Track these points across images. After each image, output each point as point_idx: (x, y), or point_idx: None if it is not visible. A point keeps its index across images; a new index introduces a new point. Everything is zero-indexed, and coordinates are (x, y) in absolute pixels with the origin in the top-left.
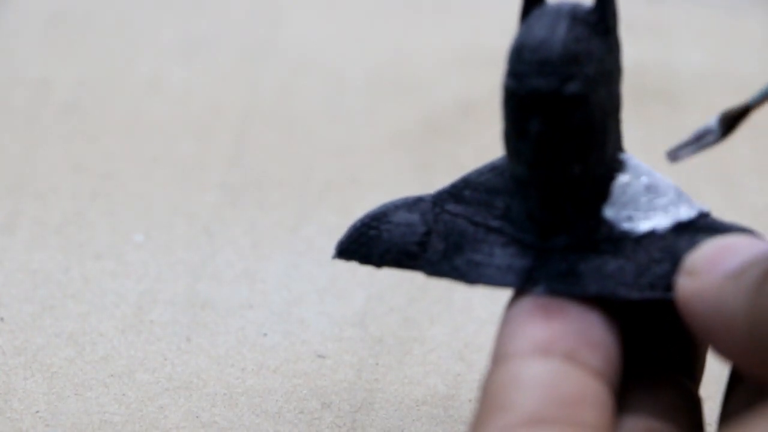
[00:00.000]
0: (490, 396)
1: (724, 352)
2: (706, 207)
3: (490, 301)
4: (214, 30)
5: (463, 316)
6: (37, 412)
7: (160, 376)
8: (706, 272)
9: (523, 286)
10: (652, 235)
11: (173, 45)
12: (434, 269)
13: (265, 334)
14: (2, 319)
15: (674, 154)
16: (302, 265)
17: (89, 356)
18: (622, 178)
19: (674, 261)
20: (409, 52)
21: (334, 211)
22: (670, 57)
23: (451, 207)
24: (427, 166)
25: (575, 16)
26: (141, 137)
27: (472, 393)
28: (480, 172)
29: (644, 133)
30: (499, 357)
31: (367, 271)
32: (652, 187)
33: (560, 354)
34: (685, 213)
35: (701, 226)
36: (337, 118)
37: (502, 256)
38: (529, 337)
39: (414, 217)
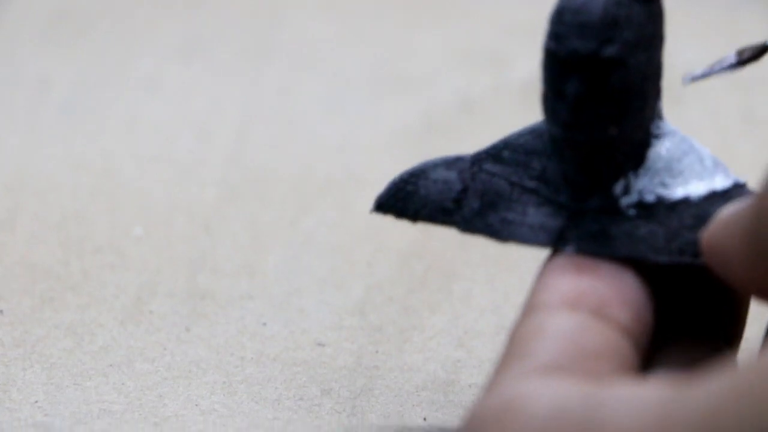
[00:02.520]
0: (514, 344)
1: (740, 277)
2: (743, 179)
3: (489, 290)
4: (213, 28)
5: (463, 305)
6: (36, 402)
7: (159, 366)
8: (724, 212)
9: (553, 245)
10: (685, 202)
11: (173, 43)
12: (468, 226)
13: (265, 324)
14: (1, 311)
15: (690, 77)
16: (302, 258)
17: (88, 347)
18: (659, 145)
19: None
20: (409, 49)
21: (334, 207)
22: (670, 53)
23: (489, 166)
24: None
25: None
26: (141, 135)
27: (471, 378)
28: (520, 134)
29: None
30: (529, 308)
31: (366, 261)
32: (688, 155)
33: (588, 308)
34: (720, 183)
35: (735, 196)
36: (336, 116)
37: (535, 215)
38: (559, 290)
39: (452, 175)
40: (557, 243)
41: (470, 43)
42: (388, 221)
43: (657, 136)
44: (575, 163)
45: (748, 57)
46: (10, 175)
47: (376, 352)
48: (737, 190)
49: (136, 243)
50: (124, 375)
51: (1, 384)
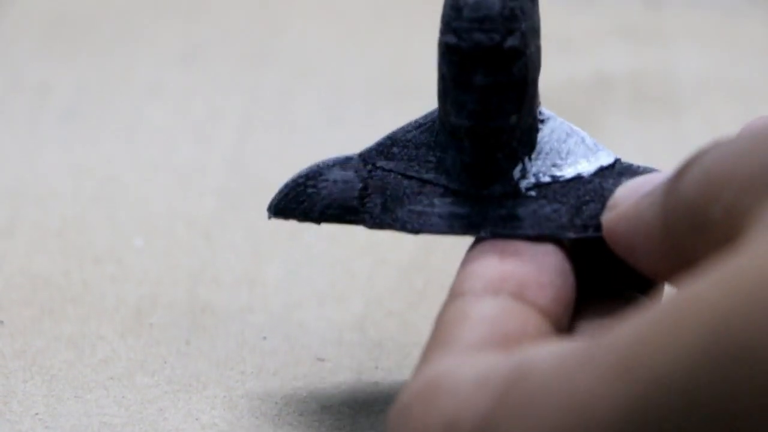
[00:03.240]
0: (438, 331)
1: (648, 267)
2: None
3: None
4: (214, 35)
5: None
6: (37, 414)
7: (159, 379)
8: (625, 200)
9: (466, 233)
10: (579, 179)
11: (173, 50)
12: (375, 222)
13: (265, 338)
14: (2, 322)
15: None
16: (302, 270)
17: (89, 359)
18: (545, 128)
19: (602, 201)
20: (408, 57)
21: None
22: (669, 63)
23: (383, 163)
24: None
25: None
26: (141, 142)
27: None
28: (405, 130)
29: (644, 139)
30: (453, 295)
31: (366, 275)
32: (571, 137)
33: (509, 292)
34: (605, 159)
35: (621, 170)
36: (337, 124)
37: (441, 205)
38: (482, 276)
39: (349, 174)
40: (470, 230)
41: None
42: (388, 235)
43: (542, 121)
44: (474, 153)
45: None
46: (9, 183)
47: (376, 368)
48: (619, 163)
49: (137, 253)
50: (124, 388)
51: (1, 396)
